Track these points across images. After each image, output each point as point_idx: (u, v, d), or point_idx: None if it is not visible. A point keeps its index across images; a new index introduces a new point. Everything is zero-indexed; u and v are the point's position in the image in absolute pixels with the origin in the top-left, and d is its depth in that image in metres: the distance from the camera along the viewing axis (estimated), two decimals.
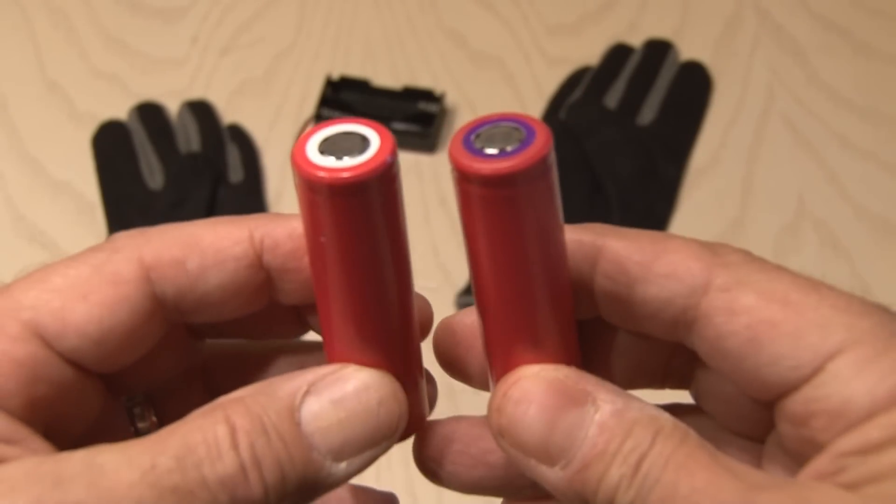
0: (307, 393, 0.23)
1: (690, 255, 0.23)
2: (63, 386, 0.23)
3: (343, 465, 0.23)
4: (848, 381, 0.21)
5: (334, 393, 0.23)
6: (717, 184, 0.75)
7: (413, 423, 0.25)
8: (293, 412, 0.22)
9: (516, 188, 0.21)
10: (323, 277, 0.23)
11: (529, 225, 0.22)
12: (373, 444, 0.23)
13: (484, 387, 0.26)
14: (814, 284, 0.23)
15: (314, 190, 0.21)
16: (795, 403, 0.22)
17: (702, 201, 0.74)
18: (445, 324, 0.27)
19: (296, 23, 0.86)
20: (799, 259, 0.71)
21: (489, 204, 0.22)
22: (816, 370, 0.22)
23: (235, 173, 0.75)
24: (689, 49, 0.82)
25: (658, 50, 0.82)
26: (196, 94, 0.80)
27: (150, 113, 0.78)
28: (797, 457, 0.23)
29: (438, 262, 0.70)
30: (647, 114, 0.78)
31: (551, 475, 0.23)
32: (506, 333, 0.24)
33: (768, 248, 0.71)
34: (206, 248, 0.24)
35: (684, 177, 0.75)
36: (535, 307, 0.24)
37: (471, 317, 0.26)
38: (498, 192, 0.21)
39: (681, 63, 0.82)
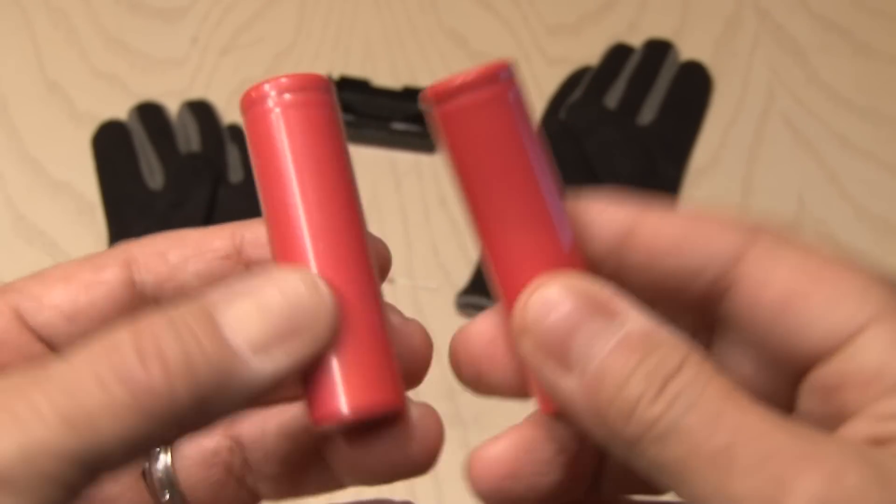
0: (226, 294, 0.22)
1: (726, 227, 0.24)
2: (32, 360, 0.23)
3: (267, 360, 0.21)
4: (882, 350, 0.21)
5: (252, 287, 0.22)
6: (717, 184, 0.75)
7: (368, 334, 0.23)
8: (208, 308, 0.21)
9: (470, 95, 0.24)
10: (264, 193, 0.24)
11: (502, 132, 0.24)
12: (294, 333, 0.22)
13: (513, 395, 0.26)
14: (847, 260, 0.23)
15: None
16: (826, 373, 0.22)
17: (702, 201, 0.74)
18: (459, 340, 0.26)
19: (296, 23, 0.86)
20: None
21: (461, 114, 0.24)
22: (849, 339, 0.21)
23: (235, 173, 0.75)
24: (689, 49, 0.82)
25: (658, 50, 0.82)
26: (196, 94, 0.80)
27: (150, 113, 0.78)
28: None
29: (438, 261, 0.70)
30: (647, 114, 0.78)
31: (566, 383, 0.22)
32: (516, 255, 0.24)
33: None
34: (187, 241, 0.25)
35: (684, 177, 0.75)
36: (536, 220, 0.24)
37: (482, 324, 0.26)
38: (456, 103, 0.24)
39: (681, 63, 0.82)
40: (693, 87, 0.80)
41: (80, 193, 0.75)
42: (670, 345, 0.22)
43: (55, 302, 0.24)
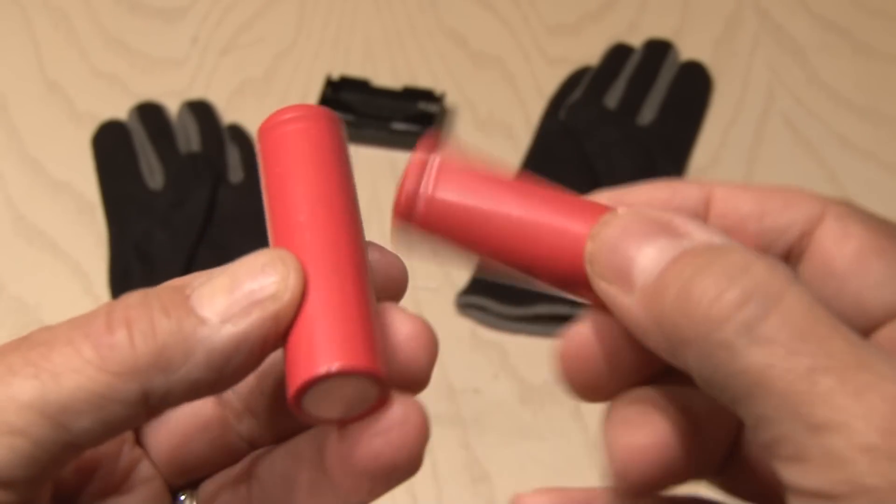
0: (205, 275, 0.23)
1: (804, 193, 0.25)
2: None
3: (228, 325, 0.22)
4: None
5: (228, 266, 0.23)
6: None
7: (342, 307, 0.23)
8: (185, 288, 0.23)
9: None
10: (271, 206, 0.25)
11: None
12: (256, 302, 0.22)
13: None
14: None
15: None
16: (891, 332, 0.22)
17: None
18: (566, 352, 0.26)
19: (296, 23, 0.86)
20: None
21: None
22: None
23: (235, 173, 0.75)
24: (689, 49, 0.82)
25: (658, 50, 0.82)
26: (196, 94, 0.80)
27: (150, 113, 0.78)
28: None
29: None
30: (647, 114, 0.78)
31: (628, 301, 0.22)
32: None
33: None
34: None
35: (684, 177, 0.75)
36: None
37: (584, 330, 0.25)
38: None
39: (681, 63, 0.82)
40: (693, 87, 0.80)
41: (80, 193, 0.75)
42: (739, 251, 0.21)
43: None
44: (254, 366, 0.23)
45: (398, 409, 0.23)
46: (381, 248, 0.26)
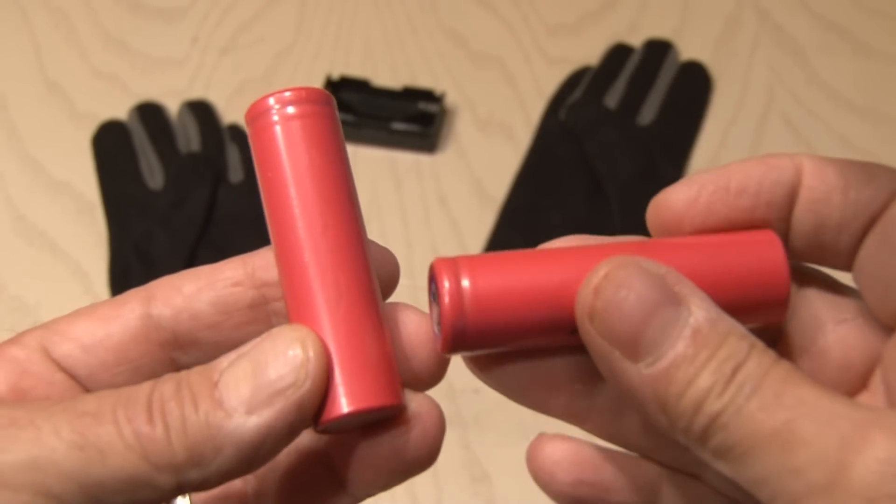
0: (232, 356, 0.24)
1: (885, 168, 0.26)
2: (53, 387, 0.25)
3: (254, 417, 0.23)
4: None
5: (252, 348, 0.24)
6: None
7: (362, 341, 0.24)
8: (213, 372, 0.24)
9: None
10: (268, 206, 0.25)
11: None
12: (278, 391, 0.23)
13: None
14: None
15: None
16: None
17: None
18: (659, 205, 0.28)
19: (296, 23, 0.86)
20: None
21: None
22: None
23: (235, 173, 0.75)
24: (689, 49, 0.82)
25: (658, 50, 0.82)
26: (196, 94, 0.80)
27: (150, 113, 0.78)
28: None
29: None
30: (647, 114, 0.78)
31: (633, 372, 0.23)
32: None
33: None
34: (201, 274, 0.27)
35: (684, 177, 0.75)
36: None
37: (683, 192, 0.28)
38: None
39: (681, 63, 0.82)
40: (693, 87, 0.80)
41: (80, 193, 0.75)
42: (736, 334, 0.23)
43: (76, 335, 0.26)
44: (284, 447, 0.24)
45: (414, 408, 0.25)
46: (373, 244, 0.26)
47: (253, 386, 0.23)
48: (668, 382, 0.22)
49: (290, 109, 0.25)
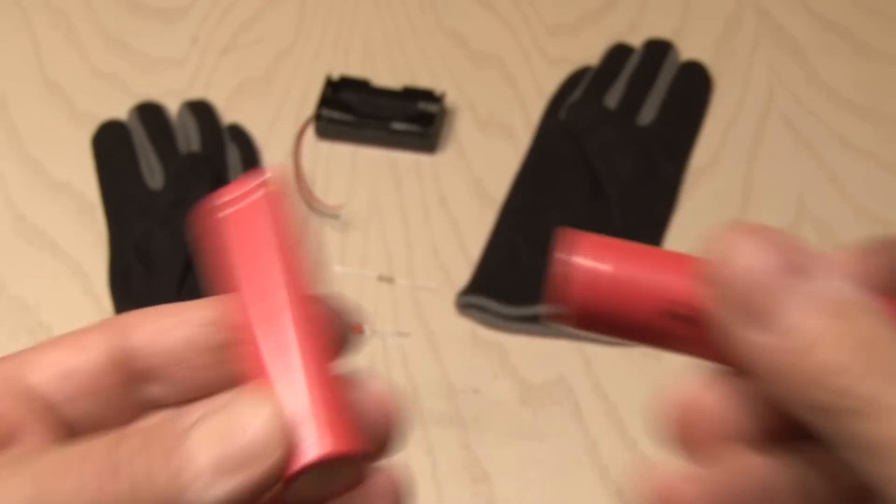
0: (202, 415, 0.23)
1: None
2: (29, 414, 0.25)
3: (220, 484, 0.23)
4: None
5: (223, 411, 0.23)
6: (717, 184, 0.75)
7: (339, 437, 0.25)
8: (179, 428, 0.23)
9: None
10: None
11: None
12: (247, 458, 0.23)
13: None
14: None
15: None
16: None
17: (702, 201, 0.74)
18: (681, 417, 0.26)
19: (296, 23, 0.86)
20: None
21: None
22: None
23: (235, 173, 0.75)
24: (689, 49, 0.82)
25: (658, 50, 0.82)
26: (196, 94, 0.80)
27: (150, 113, 0.78)
28: None
29: (438, 262, 0.70)
30: (647, 114, 0.78)
31: (760, 339, 0.22)
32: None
33: None
34: (174, 310, 0.27)
35: (684, 177, 0.75)
36: None
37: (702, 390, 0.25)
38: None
39: (681, 63, 0.82)
40: (693, 87, 0.80)
41: (80, 193, 0.75)
42: (870, 310, 0.22)
43: (50, 362, 0.26)
44: None
45: (377, 482, 0.25)
46: (319, 304, 0.26)
47: (221, 451, 0.23)
48: (806, 355, 0.21)
49: (225, 210, 0.27)
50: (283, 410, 0.24)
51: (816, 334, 0.22)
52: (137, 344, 0.26)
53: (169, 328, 0.26)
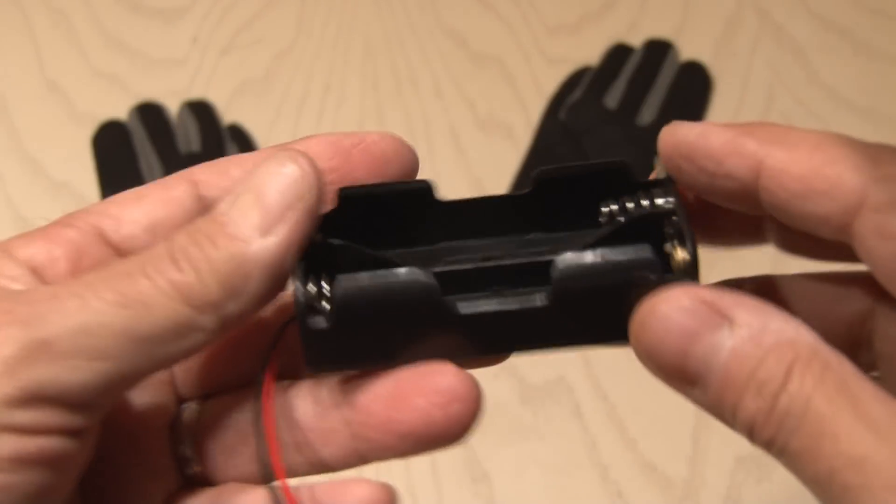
0: (231, 197, 0.25)
1: (848, 167, 0.23)
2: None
3: (271, 237, 0.24)
4: None
5: (250, 181, 0.25)
6: None
7: None
8: (218, 215, 0.24)
9: None
10: None
11: None
12: (286, 207, 0.24)
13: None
14: None
15: None
16: None
17: None
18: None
19: (296, 23, 0.86)
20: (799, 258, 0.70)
21: None
22: None
23: None
24: (689, 49, 0.82)
25: (658, 50, 0.82)
26: (196, 94, 0.80)
27: (150, 113, 0.78)
28: None
29: None
30: (647, 114, 0.78)
31: (695, 395, 0.23)
32: None
33: (768, 247, 0.71)
34: (246, 160, 0.28)
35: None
36: None
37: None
38: None
39: (681, 63, 0.82)
40: (693, 87, 0.80)
41: (80, 193, 0.75)
42: (779, 350, 0.22)
43: (134, 217, 0.26)
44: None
45: (457, 383, 0.25)
46: None
47: (261, 211, 0.24)
48: (721, 408, 0.22)
49: None
50: (305, 156, 0.25)
51: (728, 387, 0.22)
52: (212, 194, 0.27)
53: (235, 178, 0.27)
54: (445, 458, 0.61)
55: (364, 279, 0.24)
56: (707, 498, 0.59)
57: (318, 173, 0.25)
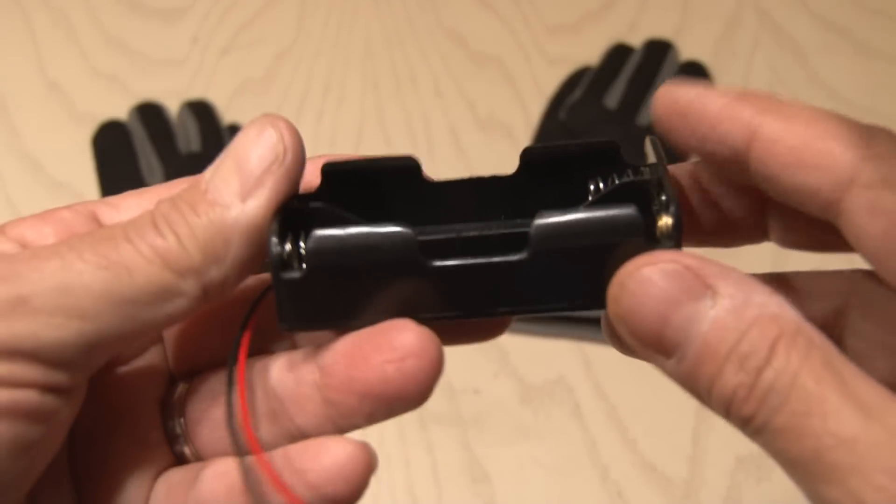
0: (213, 165, 0.25)
1: (842, 143, 0.23)
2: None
3: (251, 202, 0.24)
4: None
5: (231, 148, 0.25)
6: None
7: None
8: (200, 182, 0.25)
9: None
10: None
11: None
12: (264, 171, 0.24)
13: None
14: None
15: None
16: None
17: None
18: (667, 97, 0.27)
19: (296, 23, 0.86)
20: (800, 258, 0.70)
21: None
22: None
23: None
24: (689, 49, 0.82)
25: (658, 50, 0.82)
26: (196, 94, 0.80)
27: (150, 113, 0.78)
28: None
29: None
30: (647, 114, 0.78)
31: (668, 366, 0.22)
32: None
33: (768, 246, 0.71)
34: None
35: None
36: None
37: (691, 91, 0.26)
38: None
39: (681, 63, 0.82)
40: None
41: (80, 193, 0.75)
42: (761, 323, 0.21)
43: (131, 205, 0.27)
44: None
45: (413, 339, 0.25)
46: None
47: (240, 176, 0.24)
48: (696, 380, 0.22)
49: None
50: (283, 121, 0.25)
51: (706, 359, 0.21)
52: None
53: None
54: (445, 458, 0.61)
55: (338, 231, 0.24)
56: (707, 498, 0.59)
57: (297, 136, 0.25)
